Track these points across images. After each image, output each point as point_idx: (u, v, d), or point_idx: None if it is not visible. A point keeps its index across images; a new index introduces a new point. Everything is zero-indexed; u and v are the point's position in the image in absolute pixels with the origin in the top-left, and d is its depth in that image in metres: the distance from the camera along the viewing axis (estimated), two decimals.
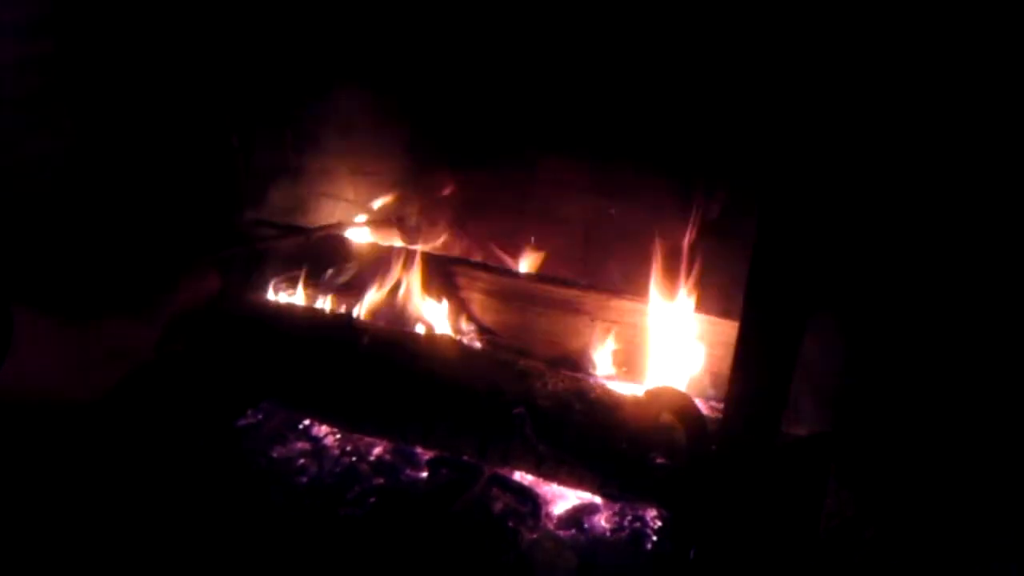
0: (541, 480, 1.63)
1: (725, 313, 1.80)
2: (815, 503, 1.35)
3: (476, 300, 1.98)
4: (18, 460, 1.53)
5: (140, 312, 1.37)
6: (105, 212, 2.08)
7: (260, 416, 1.78)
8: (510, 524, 1.56)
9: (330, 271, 2.00)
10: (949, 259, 1.55)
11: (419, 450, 1.71)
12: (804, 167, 1.13)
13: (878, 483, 1.45)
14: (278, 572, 1.45)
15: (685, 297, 1.82)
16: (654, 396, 1.38)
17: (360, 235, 2.12)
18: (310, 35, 2.09)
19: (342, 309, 1.95)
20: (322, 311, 1.90)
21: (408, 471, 1.68)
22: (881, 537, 1.41)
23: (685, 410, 1.34)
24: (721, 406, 1.69)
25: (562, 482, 1.60)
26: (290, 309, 1.87)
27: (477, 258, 2.10)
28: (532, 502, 1.60)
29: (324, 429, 1.77)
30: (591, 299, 1.89)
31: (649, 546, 1.52)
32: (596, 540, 1.54)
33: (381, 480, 1.66)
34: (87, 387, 1.18)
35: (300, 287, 1.99)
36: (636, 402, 1.56)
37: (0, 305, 0.99)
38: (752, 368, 1.14)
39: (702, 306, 1.82)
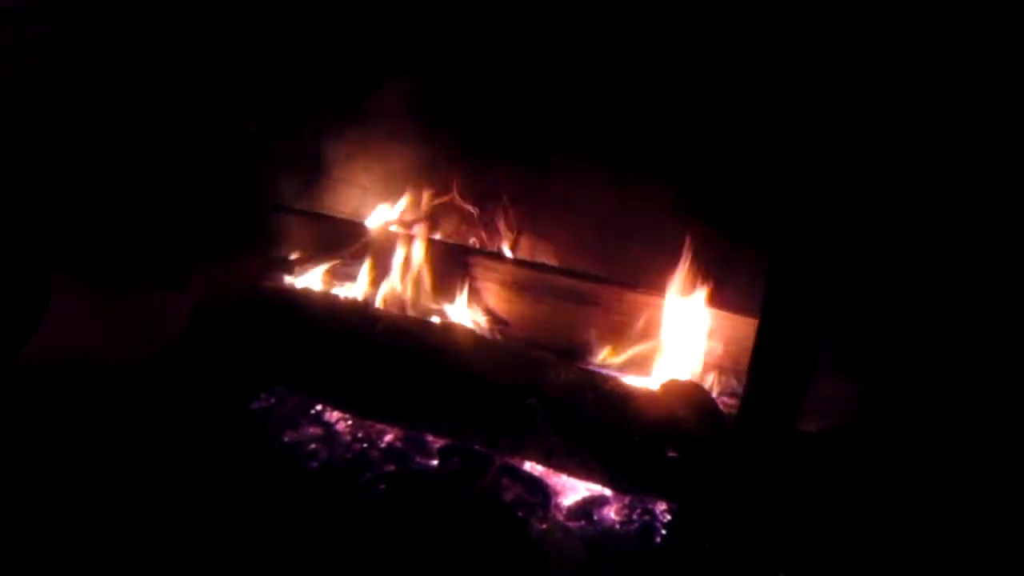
0: (551, 471, 1.64)
1: (739, 309, 1.80)
2: (824, 499, 1.35)
3: (490, 290, 1.98)
4: (46, 423, 1.53)
5: (173, 285, 1.39)
6: (139, 189, 2.09)
7: (273, 400, 1.79)
8: (520, 514, 1.56)
9: (346, 258, 2.01)
10: (950, 261, 1.54)
11: (430, 438, 1.72)
12: (823, 164, 1.13)
13: (886, 480, 1.45)
14: (286, 555, 1.46)
15: (699, 292, 1.82)
16: (669, 389, 1.39)
17: (376, 222, 2.12)
18: (331, 23, 2.09)
19: (357, 296, 1.96)
20: (337, 297, 1.90)
21: (419, 459, 1.69)
22: (889, 535, 1.41)
23: (701, 403, 1.35)
24: (733, 402, 1.70)
25: (572, 473, 1.61)
26: (306, 294, 1.88)
27: (491, 248, 2.10)
28: (542, 493, 1.61)
29: (336, 415, 1.78)
30: (605, 291, 1.89)
31: (659, 539, 1.52)
32: (605, 532, 1.55)
33: (392, 467, 1.67)
34: (121, 352, 1.20)
35: (316, 272, 2.00)
36: (649, 395, 1.56)
37: (40, 267, 1.01)
38: (771, 365, 1.14)
39: (716, 301, 1.82)
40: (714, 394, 1.74)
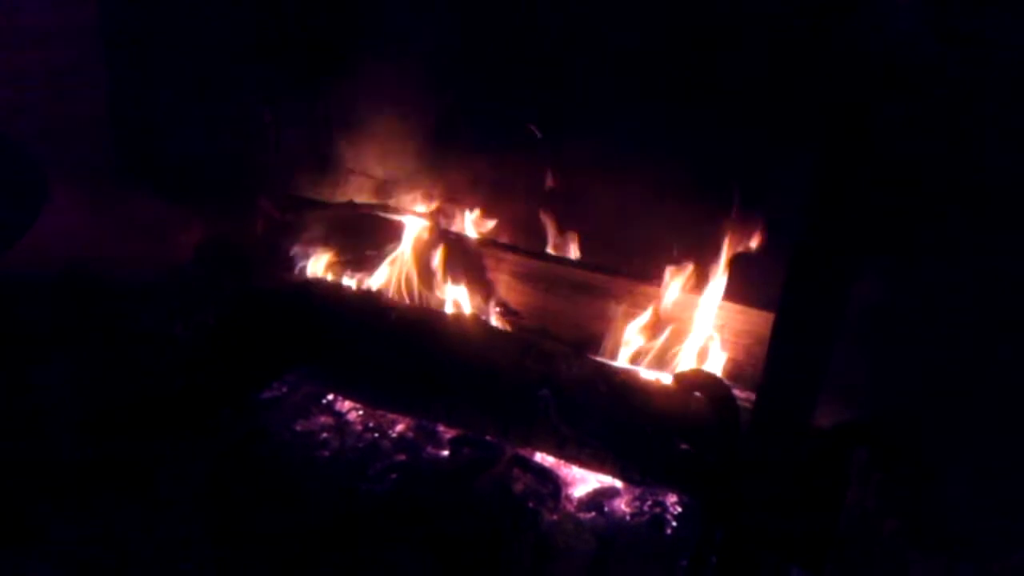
0: (562, 462, 1.64)
1: (753, 302, 1.79)
2: (837, 494, 1.35)
3: (503, 281, 1.98)
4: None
5: (176, 205, 1.39)
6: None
7: (285, 389, 1.80)
8: (531, 505, 1.56)
9: (359, 248, 2.01)
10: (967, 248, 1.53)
11: (441, 428, 1.72)
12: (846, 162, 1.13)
13: (900, 476, 1.44)
14: (296, 543, 1.46)
15: (713, 285, 1.81)
16: (685, 379, 1.38)
17: (389, 213, 2.12)
18: (345, 12, 2.09)
19: (370, 286, 1.96)
20: (350, 287, 1.90)
21: (430, 448, 1.69)
22: (901, 529, 1.41)
23: (718, 392, 1.34)
24: (745, 395, 1.69)
25: (583, 464, 1.61)
26: (318, 284, 1.88)
27: (504, 239, 2.10)
28: (553, 484, 1.60)
29: (347, 404, 1.78)
30: (618, 283, 1.88)
31: (669, 531, 1.52)
32: (616, 523, 1.55)
33: (403, 457, 1.67)
34: (120, 254, 1.21)
35: (329, 263, 2.00)
36: (662, 387, 1.55)
37: (36, 163, 1.02)
38: (788, 356, 1.14)
39: (730, 295, 1.81)
40: None
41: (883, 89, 1.06)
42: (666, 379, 1.61)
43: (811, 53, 1.63)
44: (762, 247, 1.79)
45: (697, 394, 1.43)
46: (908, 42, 1.07)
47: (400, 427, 1.74)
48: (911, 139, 1.36)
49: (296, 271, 1.96)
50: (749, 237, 1.80)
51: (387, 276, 1.97)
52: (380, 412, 1.76)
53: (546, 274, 1.95)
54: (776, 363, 1.19)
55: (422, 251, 1.97)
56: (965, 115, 1.47)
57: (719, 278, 1.81)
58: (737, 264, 1.81)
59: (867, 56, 1.07)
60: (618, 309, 1.89)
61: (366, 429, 1.73)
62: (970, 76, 1.42)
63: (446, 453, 1.68)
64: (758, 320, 1.74)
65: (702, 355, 1.81)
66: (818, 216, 1.14)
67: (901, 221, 1.54)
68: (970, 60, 1.39)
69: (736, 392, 1.75)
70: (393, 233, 2.01)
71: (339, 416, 1.76)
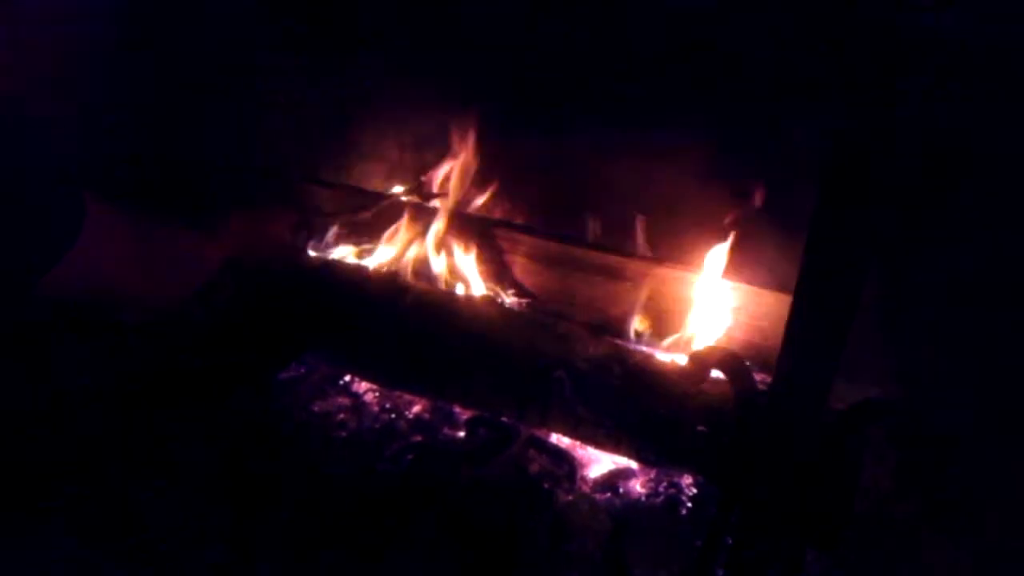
0: (578, 444, 1.64)
1: (769, 284, 1.78)
2: (851, 477, 1.34)
3: (518, 263, 1.98)
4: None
5: (206, 229, 1.40)
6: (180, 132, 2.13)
7: (303, 370, 1.81)
8: (546, 486, 1.57)
9: (375, 230, 2.01)
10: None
11: (457, 409, 1.73)
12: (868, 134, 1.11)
13: (916, 456, 1.44)
14: (314, 520, 1.47)
15: (729, 267, 1.80)
16: (700, 357, 1.37)
17: (408, 195, 2.12)
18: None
19: (387, 267, 1.97)
20: (367, 268, 1.91)
21: (446, 429, 1.70)
22: (916, 510, 1.40)
23: (735, 367, 1.33)
24: (761, 377, 1.69)
25: (599, 446, 1.61)
26: (335, 265, 1.89)
27: (520, 221, 2.10)
28: (568, 464, 1.61)
29: (364, 386, 1.80)
30: (633, 265, 1.88)
31: (684, 512, 1.53)
32: (631, 504, 1.55)
33: (419, 437, 1.68)
34: (148, 288, 1.21)
35: (345, 243, 2.00)
36: (678, 368, 1.55)
37: (74, 188, 1.02)
38: (806, 337, 1.13)
39: (746, 276, 1.81)
40: None
41: (909, 62, 1.05)
42: (681, 360, 1.61)
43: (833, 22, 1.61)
44: (777, 227, 1.78)
45: (714, 371, 1.43)
46: (935, 13, 1.05)
47: (416, 408, 1.75)
48: (934, 115, 1.34)
49: (313, 253, 1.97)
50: (764, 217, 1.80)
51: (403, 258, 1.97)
52: (396, 393, 1.77)
53: (562, 256, 1.95)
54: (793, 344, 1.18)
55: (438, 233, 1.97)
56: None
57: (734, 259, 1.80)
58: (753, 245, 1.81)
59: (893, 27, 1.06)
60: (635, 291, 1.89)
61: (383, 410, 1.74)
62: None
63: (462, 434, 1.69)
64: (773, 302, 1.73)
65: (718, 338, 1.81)
66: (835, 196, 1.14)
67: (922, 199, 1.53)
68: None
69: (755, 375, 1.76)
70: (409, 215, 2.01)
71: (356, 397, 1.77)
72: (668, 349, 1.80)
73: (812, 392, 1.15)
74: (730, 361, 1.33)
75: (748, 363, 1.34)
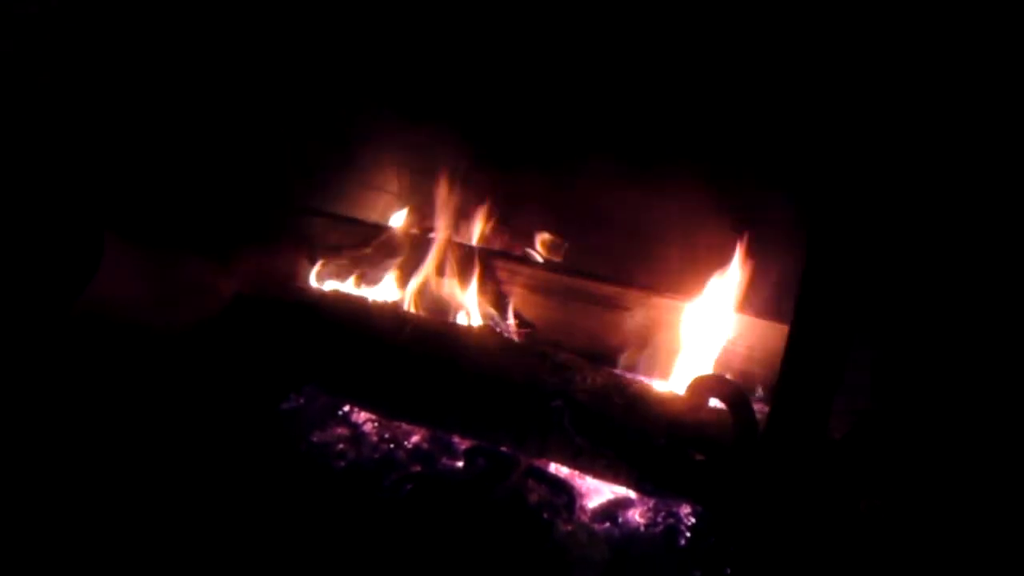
0: (576, 473, 1.64)
1: (766, 314, 1.80)
2: (847, 503, 1.35)
3: (517, 294, 1.99)
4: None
5: (217, 260, 1.42)
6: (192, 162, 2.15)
7: (302, 400, 1.81)
8: (545, 516, 1.57)
9: (376, 261, 2.03)
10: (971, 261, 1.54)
11: (456, 439, 1.73)
12: (859, 171, 1.14)
13: (910, 485, 1.44)
14: (312, 554, 1.47)
15: (726, 296, 1.82)
16: (699, 386, 1.38)
17: (405, 227, 2.14)
18: (360, 31, 2.12)
19: (387, 299, 1.98)
20: (367, 299, 1.92)
21: (445, 459, 1.70)
22: (910, 539, 1.40)
23: (734, 398, 1.34)
24: (760, 407, 1.70)
25: (598, 475, 1.61)
26: (335, 296, 1.90)
27: (518, 252, 2.11)
28: (567, 494, 1.61)
29: (364, 416, 1.80)
30: (631, 295, 1.90)
31: (683, 542, 1.52)
32: (630, 534, 1.55)
33: (418, 467, 1.68)
34: (162, 316, 1.23)
35: (344, 274, 2.02)
36: (676, 397, 1.56)
37: (93, 225, 1.04)
38: (802, 368, 1.15)
39: (743, 306, 1.82)
40: None
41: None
42: (679, 390, 1.62)
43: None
44: (776, 258, 1.80)
45: (713, 401, 1.44)
46: None
47: (415, 438, 1.75)
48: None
49: (315, 283, 1.99)
50: (762, 248, 1.81)
51: (403, 289, 1.99)
52: (396, 423, 1.77)
53: (560, 286, 1.96)
54: (790, 375, 1.20)
55: (437, 264, 1.99)
56: None
57: (734, 290, 1.82)
58: (752, 275, 1.82)
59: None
60: (633, 321, 1.90)
61: (382, 440, 1.75)
62: None
63: (461, 464, 1.69)
64: (771, 332, 1.75)
65: (716, 367, 1.82)
66: (830, 230, 1.16)
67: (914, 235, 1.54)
68: None
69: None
70: (409, 246, 2.03)
71: (355, 427, 1.78)
72: (666, 379, 1.81)
73: (810, 421, 1.17)
74: (729, 390, 1.34)
75: (746, 392, 1.36)
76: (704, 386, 1.45)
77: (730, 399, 1.38)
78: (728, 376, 1.67)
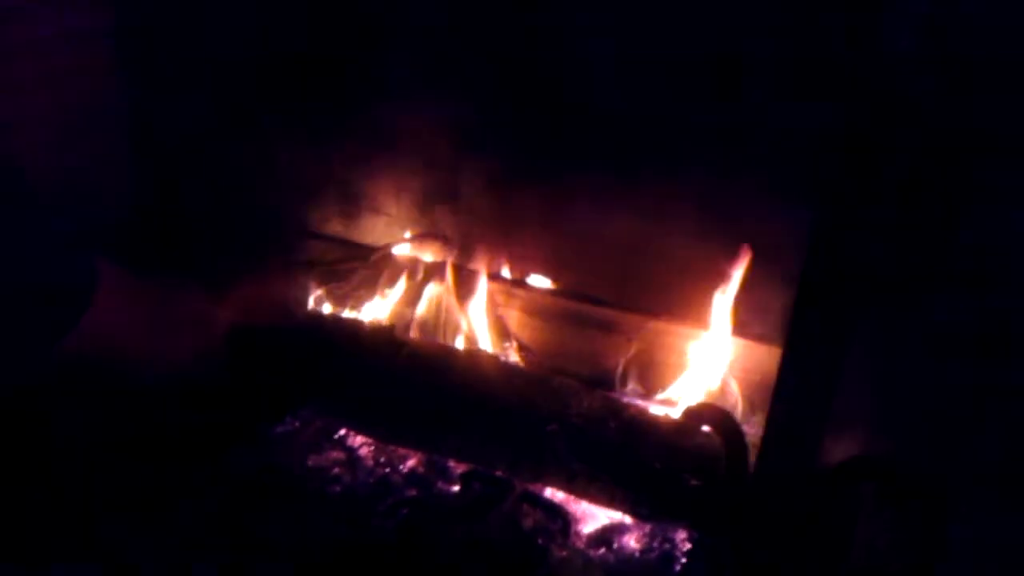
0: (572, 498, 1.64)
1: (762, 338, 1.79)
2: (846, 532, 1.34)
3: (513, 317, 1.99)
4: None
5: (213, 290, 1.41)
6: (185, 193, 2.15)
7: (297, 424, 1.81)
8: (540, 541, 1.56)
9: (371, 284, 2.03)
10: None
11: (452, 464, 1.73)
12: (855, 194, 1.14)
13: (910, 514, 1.44)
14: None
15: (722, 321, 1.82)
16: (693, 413, 1.38)
17: (402, 250, 2.14)
18: (356, 49, 2.13)
19: (383, 322, 1.98)
20: (363, 322, 1.93)
21: (440, 484, 1.70)
22: (912, 567, 1.40)
23: (726, 426, 1.34)
24: (753, 431, 1.69)
25: (593, 500, 1.61)
26: (331, 319, 1.90)
27: (515, 276, 2.11)
28: (562, 519, 1.60)
29: (359, 439, 1.79)
30: (628, 319, 1.90)
31: (678, 567, 1.51)
32: (625, 560, 1.54)
33: (414, 492, 1.67)
34: (157, 350, 1.22)
35: (340, 297, 2.02)
36: (672, 422, 1.56)
37: (86, 255, 1.03)
38: (794, 392, 1.15)
39: (739, 330, 1.82)
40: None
41: (884, 118, 1.08)
42: (675, 414, 1.62)
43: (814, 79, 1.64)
44: (773, 281, 1.79)
45: (705, 428, 1.44)
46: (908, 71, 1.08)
47: (411, 462, 1.74)
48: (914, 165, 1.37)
49: (308, 305, 1.99)
50: (760, 272, 1.81)
51: (399, 312, 1.99)
52: (391, 447, 1.77)
53: (557, 310, 1.96)
54: (782, 399, 1.19)
55: (434, 287, 1.99)
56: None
57: (730, 313, 1.81)
58: (748, 299, 1.82)
59: (867, 84, 1.09)
60: (629, 345, 1.90)
61: (377, 464, 1.74)
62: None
63: (456, 489, 1.68)
64: (767, 356, 1.74)
65: (713, 392, 1.81)
66: (822, 252, 1.16)
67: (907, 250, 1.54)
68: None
69: (748, 429, 1.76)
70: (405, 269, 2.03)
71: (351, 451, 1.77)
72: (662, 403, 1.80)
73: (802, 446, 1.16)
74: (719, 418, 1.34)
75: (737, 419, 1.36)
76: (695, 414, 1.45)
77: (720, 428, 1.38)
78: (718, 405, 1.66)
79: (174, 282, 1.34)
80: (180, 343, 1.30)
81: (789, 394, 1.20)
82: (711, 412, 1.47)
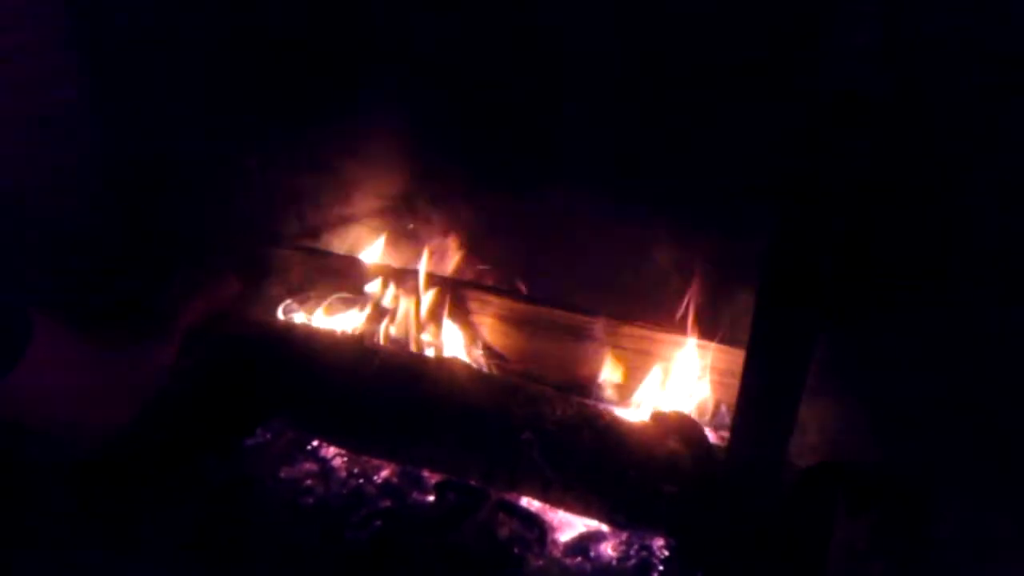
0: (548, 507, 1.63)
1: (735, 341, 1.80)
2: (823, 534, 1.34)
3: (487, 324, 1.98)
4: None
5: (156, 329, 1.36)
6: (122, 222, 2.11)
7: (269, 436, 1.79)
8: (516, 550, 1.55)
9: (341, 292, 2.02)
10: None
11: (426, 473, 1.71)
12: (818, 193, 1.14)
13: (891, 515, 1.44)
14: None
15: (694, 325, 1.82)
16: (659, 419, 1.38)
17: (374, 257, 2.13)
18: (329, 56, 2.11)
19: (354, 331, 1.96)
20: (335, 332, 1.91)
21: (415, 494, 1.68)
22: (891, 571, 1.40)
23: (690, 434, 1.34)
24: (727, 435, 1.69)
25: (569, 509, 1.60)
26: (301, 328, 1.88)
27: (489, 282, 2.10)
28: (539, 528, 1.59)
29: (332, 450, 1.77)
30: (601, 325, 1.89)
31: (655, 575, 1.51)
32: (602, 568, 1.54)
33: (388, 502, 1.66)
34: (99, 414, 1.16)
35: (311, 307, 2.00)
36: (645, 429, 1.55)
37: (18, 307, 0.96)
38: (758, 394, 1.14)
39: (711, 334, 1.82)
40: (711, 428, 1.74)
41: (840, 123, 1.08)
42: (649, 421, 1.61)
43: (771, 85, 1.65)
44: (744, 285, 1.80)
45: (671, 436, 1.44)
46: (863, 77, 1.09)
47: (385, 472, 1.73)
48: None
49: (278, 316, 1.97)
50: (731, 276, 1.81)
51: (371, 320, 1.97)
52: (365, 458, 1.75)
53: (531, 317, 1.96)
54: (747, 404, 1.19)
55: (406, 295, 1.97)
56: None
57: (702, 318, 1.82)
58: (719, 303, 1.83)
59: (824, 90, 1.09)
60: (603, 351, 1.89)
61: (351, 475, 1.72)
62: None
63: (431, 498, 1.67)
64: (739, 359, 1.74)
65: (686, 397, 1.81)
66: (781, 258, 1.16)
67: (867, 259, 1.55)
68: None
69: (725, 433, 1.76)
70: (376, 277, 2.02)
71: (323, 462, 1.75)
72: (635, 409, 1.80)
73: (767, 451, 1.16)
74: (685, 426, 1.34)
75: (714, 426, 1.35)
76: (662, 421, 1.45)
77: (685, 435, 1.38)
78: (684, 412, 1.66)
79: (114, 335, 1.26)
80: (110, 414, 1.21)
81: (751, 398, 1.19)
82: (674, 419, 1.47)
